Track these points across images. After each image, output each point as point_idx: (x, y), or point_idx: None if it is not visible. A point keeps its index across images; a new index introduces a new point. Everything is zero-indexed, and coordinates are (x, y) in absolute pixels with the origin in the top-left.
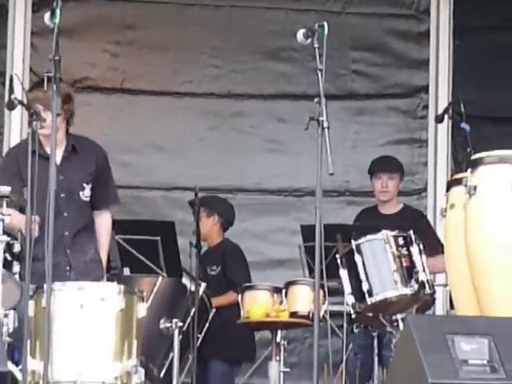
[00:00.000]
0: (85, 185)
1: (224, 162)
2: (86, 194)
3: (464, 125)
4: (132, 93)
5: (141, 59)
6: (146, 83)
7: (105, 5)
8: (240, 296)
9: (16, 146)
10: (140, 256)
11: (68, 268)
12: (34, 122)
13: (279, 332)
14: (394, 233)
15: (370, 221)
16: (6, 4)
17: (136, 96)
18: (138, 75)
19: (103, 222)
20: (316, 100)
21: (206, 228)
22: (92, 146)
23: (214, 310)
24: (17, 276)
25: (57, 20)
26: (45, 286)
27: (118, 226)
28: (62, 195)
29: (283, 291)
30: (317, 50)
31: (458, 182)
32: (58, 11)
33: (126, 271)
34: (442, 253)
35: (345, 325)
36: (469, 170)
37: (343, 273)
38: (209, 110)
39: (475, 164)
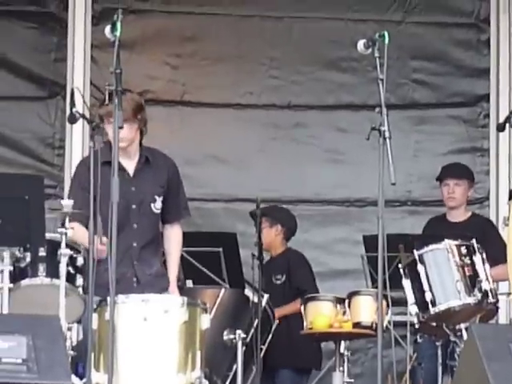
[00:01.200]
0: (156, 197)
1: (285, 172)
2: (157, 206)
3: None
4: (192, 105)
5: (201, 71)
6: (207, 95)
7: (165, 17)
8: (303, 307)
9: (88, 156)
10: (203, 268)
11: (135, 280)
12: (105, 135)
13: (342, 343)
14: (457, 242)
15: (438, 229)
16: (66, 17)
17: (196, 108)
18: (199, 87)
19: (174, 234)
20: (377, 110)
21: (269, 238)
22: (165, 158)
23: (276, 321)
24: (80, 289)
25: (118, 33)
26: (108, 298)
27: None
28: (133, 206)
29: (346, 302)
30: (377, 59)
31: None
32: (118, 24)
33: (189, 283)
34: (506, 262)
35: (408, 335)
36: None
37: (406, 283)
38: (269, 122)
39: None
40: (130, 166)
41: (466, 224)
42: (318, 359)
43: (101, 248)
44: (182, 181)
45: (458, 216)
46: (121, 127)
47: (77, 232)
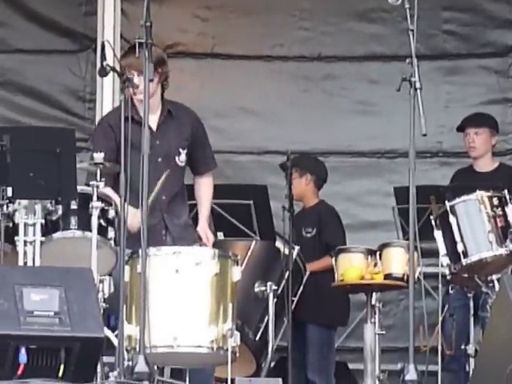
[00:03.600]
0: (181, 150)
1: (315, 124)
2: (181, 159)
3: None
4: (223, 57)
5: (231, 24)
6: (237, 47)
7: None
8: (334, 259)
9: (111, 111)
10: (233, 220)
11: (164, 232)
12: (127, 89)
13: (374, 294)
14: (489, 193)
15: (466, 180)
16: None
17: (227, 61)
18: (229, 40)
19: (205, 182)
20: (408, 61)
21: (300, 188)
22: (187, 111)
23: (308, 272)
24: (112, 241)
25: None
26: (140, 250)
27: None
28: (159, 160)
29: (377, 253)
30: (408, 10)
31: None
32: None
33: (220, 235)
34: None
35: (440, 286)
36: None
37: (438, 234)
38: (299, 73)
39: None
40: (153, 119)
41: (493, 174)
42: (345, 317)
43: (134, 223)
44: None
45: (485, 166)
46: (151, 80)
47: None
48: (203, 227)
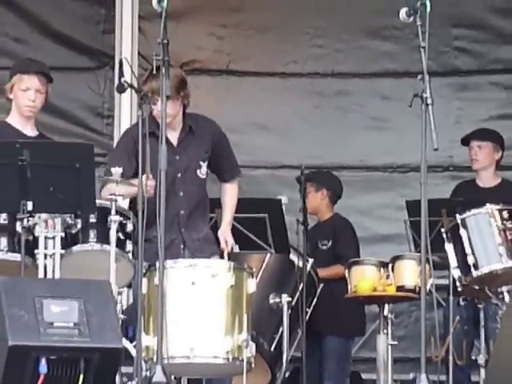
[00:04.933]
0: (201, 163)
1: (329, 139)
2: (202, 171)
3: None
4: (238, 74)
5: (246, 41)
6: (252, 64)
7: None
8: (347, 271)
9: (133, 126)
10: (249, 233)
11: (182, 246)
12: (145, 105)
13: (386, 306)
14: (499, 206)
15: (468, 194)
16: None
17: (242, 77)
18: (244, 57)
19: (230, 188)
20: (419, 77)
21: (315, 202)
22: (208, 123)
23: (322, 284)
24: (130, 254)
25: (164, 4)
26: (157, 263)
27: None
28: (179, 175)
29: (390, 266)
30: (419, 27)
31: None
32: None
33: (236, 248)
34: None
35: (451, 298)
36: None
37: (449, 247)
38: (313, 90)
39: None
40: (174, 136)
41: (496, 189)
42: (362, 326)
43: (150, 184)
44: (228, 139)
45: (487, 181)
46: (168, 96)
47: (119, 186)
48: (223, 231)
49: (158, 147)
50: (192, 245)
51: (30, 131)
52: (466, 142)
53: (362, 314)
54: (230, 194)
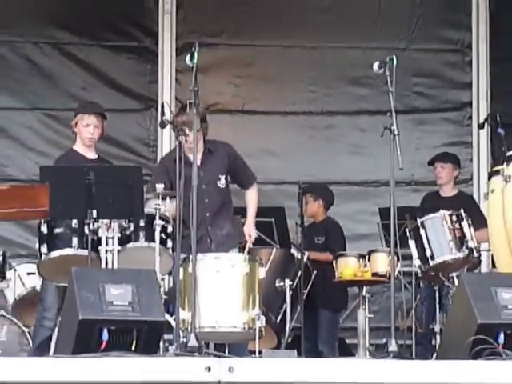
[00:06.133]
0: (220, 176)
1: (320, 162)
2: (221, 182)
3: (500, 130)
4: (250, 113)
5: (257, 88)
6: (261, 106)
7: (230, 49)
8: (335, 261)
9: (167, 154)
10: (259, 233)
11: (209, 241)
12: (180, 137)
13: (364, 288)
14: (449, 212)
15: (433, 202)
16: (157, 50)
17: (253, 116)
18: (255, 100)
19: (250, 192)
20: (388, 114)
21: (313, 210)
22: (224, 146)
23: (315, 272)
24: (170, 250)
25: (195, 60)
26: (191, 256)
27: (242, 211)
28: (203, 186)
29: (366, 257)
30: (388, 76)
31: (497, 172)
32: (195, 54)
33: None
34: (486, 226)
35: (413, 281)
36: (505, 163)
37: (411, 243)
38: (307, 125)
39: (509, 159)
40: (197, 157)
41: (454, 198)
42: (346, 302)
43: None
44: (241, 156)
45: (448, 192)
46: (198, 130)
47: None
48: (248, 226)
49: (186, 168)
50: (217, 239)
51: (91, 155)
52: (431, 163)
53: (346, 293)
54: (250, 196)
